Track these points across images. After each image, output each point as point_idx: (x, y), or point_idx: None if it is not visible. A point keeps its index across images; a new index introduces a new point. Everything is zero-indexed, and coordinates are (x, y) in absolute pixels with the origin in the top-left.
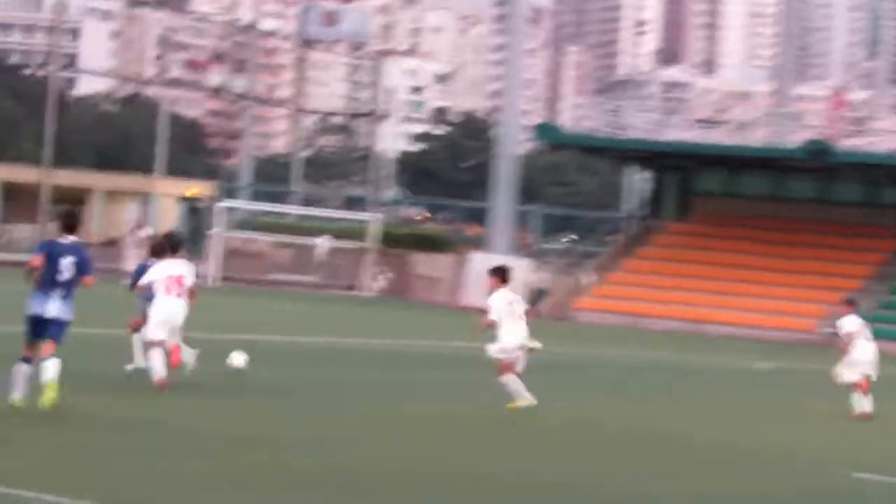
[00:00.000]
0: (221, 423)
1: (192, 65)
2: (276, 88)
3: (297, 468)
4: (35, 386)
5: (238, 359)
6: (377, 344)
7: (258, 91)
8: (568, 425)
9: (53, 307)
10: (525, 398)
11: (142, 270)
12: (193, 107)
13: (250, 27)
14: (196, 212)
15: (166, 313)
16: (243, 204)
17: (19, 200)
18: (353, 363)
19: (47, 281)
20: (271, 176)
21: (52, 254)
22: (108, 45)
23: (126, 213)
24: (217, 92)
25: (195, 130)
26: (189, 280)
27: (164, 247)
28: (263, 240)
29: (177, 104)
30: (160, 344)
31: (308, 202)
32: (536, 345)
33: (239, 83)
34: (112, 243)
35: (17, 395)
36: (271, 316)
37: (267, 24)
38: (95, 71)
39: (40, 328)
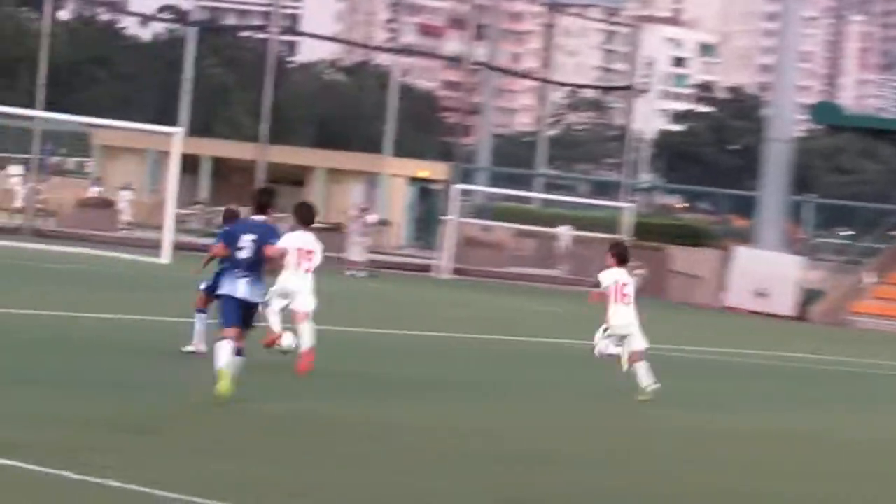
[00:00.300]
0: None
1: (427, 30)
2: (520, 58)
3: (602, 487)
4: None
5: (287, 339)
6: None
7: (501, 61)
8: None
9: (241, 288)
10: (648, 385)
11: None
12: (427, 77)
13: None
14: (428, 195)
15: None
16: (481, 188)
17: (229, 179)
18: (602, 368)
19: (231, 261)
20: (513, 157)
21: (233, 234)
22: (334, 6)
23: (350, 195)
24: (454, 61)
25: (429, 104)
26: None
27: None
28: (503, 228)
29: (409, 74)
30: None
31: (553, 187)
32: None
33: (479, 51)
34: (335, 229)
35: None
36: (507, 313)
37: None
38: (319, 35)
39: (234, 310)
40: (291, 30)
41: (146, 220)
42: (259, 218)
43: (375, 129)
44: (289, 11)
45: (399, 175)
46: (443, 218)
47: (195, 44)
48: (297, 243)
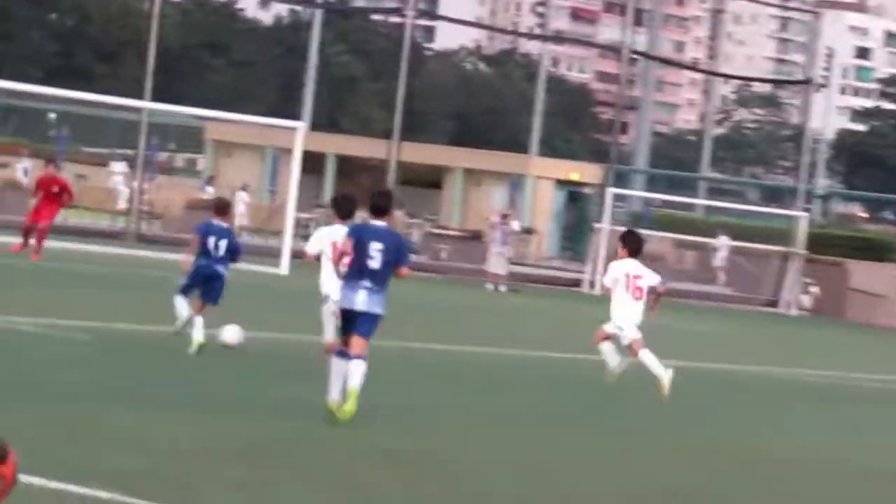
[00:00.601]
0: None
1: (580, 15)
2: (684, 47)
3: None
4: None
5: (231, 333)
6: (811, 375)
7: (662, 50)
8: None
9: (361, 299)
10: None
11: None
12: (579, 68)
13: None
14: (578, 201)
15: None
16: (637, 193)
17: (357, 179)
18: (778, 397)
19: (356, 270)
20: (673, 158)
21: (360, 239)
22: None
23: (491, 199)
24: (610, 50)
25: (581, 98)
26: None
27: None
28: (661, 238)
29: (559, 64)
30: None
31: (719, 192)
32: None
33: (638, 39)
34: (473, 237)
35: (335, 397)
36: (668, 334)
37: None
38: (460, 20)
39: (350, 322)
40: (428, 13)
41: (263, 225)
42: (380, 223)
43: (520, 125)
44: None
45: (546, 177)
46: (594, 226)
47: (321, 28)
48: (335, 238)
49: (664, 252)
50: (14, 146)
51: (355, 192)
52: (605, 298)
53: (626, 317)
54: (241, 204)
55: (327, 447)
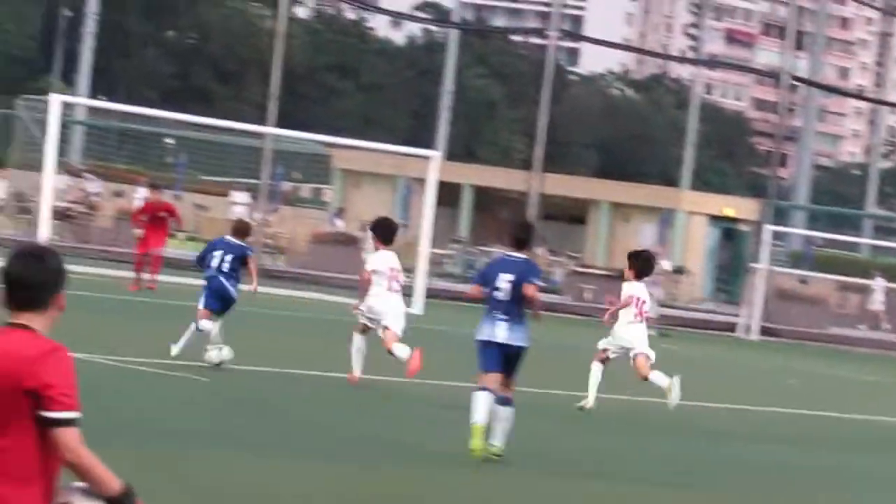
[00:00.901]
0: None
1: (736, 37)
2: (849, 74)
3: None
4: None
5: (215, 352)
6: None
7: (825, 76)
8: None
9: (500, 332)
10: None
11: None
12: (735, 95)
13: None
14: (733, 238)
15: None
16: (797, 230)
17: (495, 213)
18: None
19: (489, 302)
20: (837, 194)
21: (488, 274)
22: (623, 7)
23: (640, 235)
24: (768, 75)
25: (736, 127)
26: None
27: None
28: (823, 280)
29: (713, 91)
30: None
31: (886, 231)
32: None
33: (799, 64)
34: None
35: (479, 420)
36: (828, 384)
37: None
38: (606, 42)
39: (493, 356)
40: (572, 34)
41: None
42: (517, 255)
43: (670, 156)
44: (570, 12)
45: (698, 213)
46: (751, 266)
47: (457, 49)
48: (384, 264)
49: (826, 295)
50: (130, 174)
51: (493, 225)
52: (762, 344)
53: (629, 338)
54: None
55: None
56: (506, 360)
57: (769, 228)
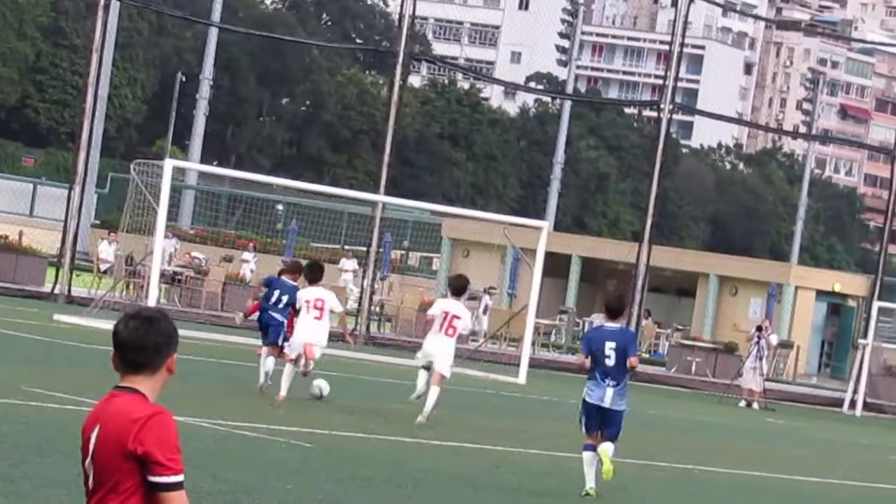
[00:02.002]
0: None
1: (850, 113)
2: None
3: None
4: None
5: (322, 387)
6: None
7: None
8: None
9: (607, 396)
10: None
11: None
12: (848, 170)
13: None
14: (840, 314)
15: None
16: None
17: (602, 285)
18: None
19: (596, 369)
20: None
21: (595, 341)
22: (737, 80)
23: (747, 310)
24: (881, 151)
25: (848, 203)
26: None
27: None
28: None
29: (825, 166)
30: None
31: None
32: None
33: None
34: (727, 350)
35: (590, 485)
36: None
37: None
38: (718, 115)
39: (596, 419)
40: (685, 107)
41: (503, 330)
42: (616, 325)
43: (780, 230)
44: (684, 85)
45: (806, 288)
46: (857, 342)
47: (569, 120)
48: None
49: None
50: (239, 238)
51: (601, 296)
52: (867, 420)
53: (432, 350)
54: (484, 308)
55: None
56: (612, 426)
57: (877, 304)
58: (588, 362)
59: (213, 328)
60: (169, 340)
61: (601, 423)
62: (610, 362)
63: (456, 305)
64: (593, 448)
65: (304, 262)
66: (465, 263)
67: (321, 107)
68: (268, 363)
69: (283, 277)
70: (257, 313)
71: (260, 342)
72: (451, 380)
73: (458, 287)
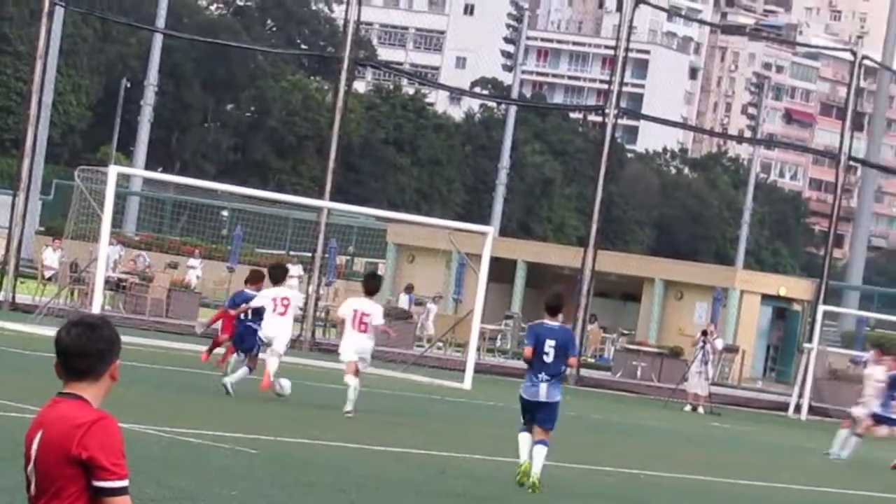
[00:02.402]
0: None
1: (795, 117)
2: None
3: None
4: None
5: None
6: None
7: (883, 157)
8: None
9: (542, 391)
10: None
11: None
12: (793, 175)
13: (880, 69)
14: (786, 318)
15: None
16: (851, 311)
17: (548, 289)
18: None
19: (535, 363)
20: (892, 274)
21: (538, 338)
22: (682, 85)
23: (692, 315)
24: (825, 156)
25: (792, 207)
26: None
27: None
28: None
29: (770, 170)
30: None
31: None
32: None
33: (857, 145)
34: (673, 355)
35: (526, 457)
36: (876, 464)
37: None
38: (664, 120)
39: (532, 412)
40: (630, 112)
41: (448, 336)
42: (556, 323)
43: (726, 235)
44: (629, 90)
45: (752, 292)
46: (803, 346)
47: (514, 125)
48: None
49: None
50: (184, 245)
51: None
52: (813, 425)
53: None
54: (430, 314)
55: None
56: (547, 417)
57: (822, 308)
58: (532, 354)
59: (158, 335)
60: (111, 347)
61: (537, 415)
62: (548, 359)
63: (364, 303)
64: (529, 430)
65: (263, 270)
66: (410, 269)
67: (266, 113)
68: (242, 372)
69: (247, 289)
70: (219, 324)
71: (205, 348)
72: (397, 385)
73: (371, 290)
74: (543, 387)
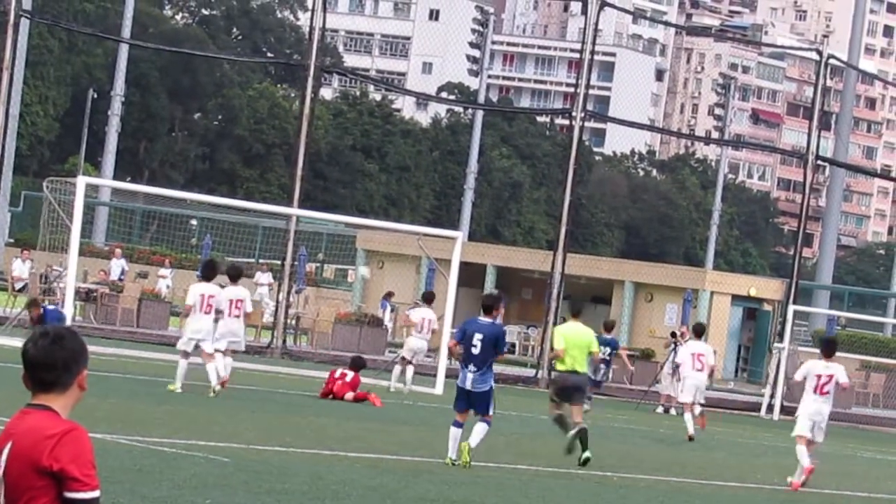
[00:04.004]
0: None
1: (762, 118)
2: (875, 154)
3: None
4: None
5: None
6: None
7: (851, 156)
8: None
9: (468, 380)
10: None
11: None
12: (760, 175)
13: (846, 68)
14: (756, 318)
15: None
16: (821, 310)
17: (518, 294)
18: None
19: (465, 356)
20: (862, 273)
21: (466, 332)
22: (648, 87)
23: (663, 316)
24: (793, 155)
25: (761, 208)
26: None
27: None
28: (847, 360)
29: (738, 171)
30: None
31: None
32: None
33: (824, 144)
34: (643, 356)
35: (451, 455)
36: (851, 465)
37: (868, 65)
38: (631, 122)
39: (464, 399)
40: (597, 115)
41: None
42: (487, 320)
43: (695, 236)
44: (596, 93)
45: (722, 293)
46: (774, 346)
47: (482, 129)
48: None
49: (849, 375)
50: (153, 254)
51: (516, 306)
52: (785, 425)
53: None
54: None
55: None
56: (480, 404)
57: (792, 308)
58: (459, 348)
59: (129, 344)
60: (78, 358)
61: (468, 403)
62: (475, 350)
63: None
64: (460, 426)
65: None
66: (380, 275)
67: (233, 121)
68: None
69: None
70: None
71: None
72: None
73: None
74: (470, 376)
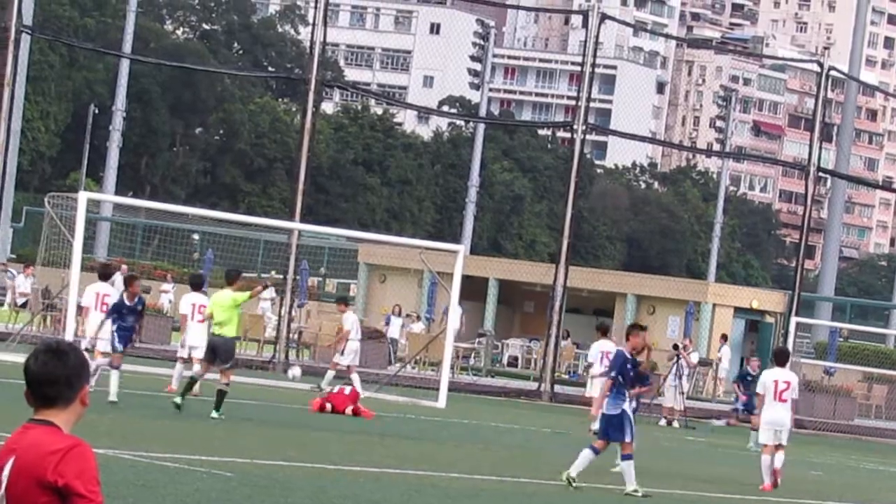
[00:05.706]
0: None
1: (764, 129)
2: (876, 165)
3: None
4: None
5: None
6: None
7: (852, 168)
8: None
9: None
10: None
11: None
12: (762, 187)
13: (847, 80)
14: (758, 330)
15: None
16: (824, 322)
17: (520, 307)
18: None
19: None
20: (864, 285)
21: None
22: (650, 99)
23: (665, 329)
24: (794, 167)
25: (763, 219)
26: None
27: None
28: (850, 371)
29: (739, 183)
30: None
31: None
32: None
33: (826, 156)
34: (654, 369)
35: (572, 472)
36: (853, 476)
37: (869, 77)
38: (633, 135)
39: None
40: (599, 128)
41: (421, 355)
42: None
43: (696, 248)
44: (597, 106)
45: (724, 305)
46: None
47: (483, 143)
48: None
49: (852, 386)
50: (155, 269)
51: (518, 319)
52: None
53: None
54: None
55: None
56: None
57: (794, 320)
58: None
59: (132, 359)
60: (79, 373)
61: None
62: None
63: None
64: (597, 452)
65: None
66: (382, 289)
67: (234, 136)
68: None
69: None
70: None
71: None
72: (371, 405)
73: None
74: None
